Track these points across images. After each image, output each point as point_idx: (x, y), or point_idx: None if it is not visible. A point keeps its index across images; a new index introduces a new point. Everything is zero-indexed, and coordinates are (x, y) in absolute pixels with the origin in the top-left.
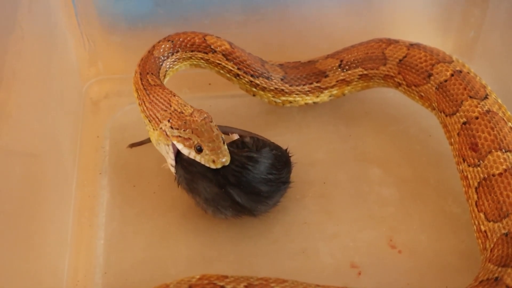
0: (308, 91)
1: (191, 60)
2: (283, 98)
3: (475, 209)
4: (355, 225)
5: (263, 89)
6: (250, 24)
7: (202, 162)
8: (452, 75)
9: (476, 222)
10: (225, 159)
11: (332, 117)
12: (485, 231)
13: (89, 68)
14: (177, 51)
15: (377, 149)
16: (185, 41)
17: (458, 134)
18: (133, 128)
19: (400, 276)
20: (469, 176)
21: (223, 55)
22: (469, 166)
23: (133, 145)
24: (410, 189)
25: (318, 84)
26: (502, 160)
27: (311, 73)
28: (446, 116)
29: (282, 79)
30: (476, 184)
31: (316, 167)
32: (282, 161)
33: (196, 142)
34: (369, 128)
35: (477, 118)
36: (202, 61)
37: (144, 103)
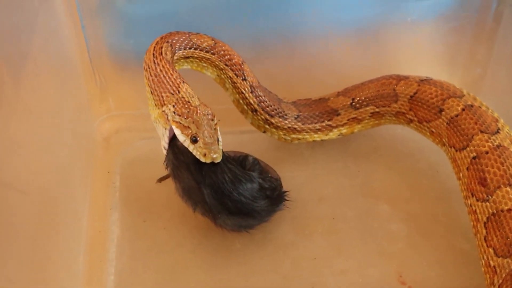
0: (319, 129)
1: (221, 72)
2: (293, 135)
3: (484, 244)
4: (364, 261)
5: (277, 127)
6: (259, 61)
7: (194, 153)
8: (463, 109)
9: (485, 257)
10: (216, 156)
11: (341, 153)
12: (494, 266)
13: (100, 104)
14: (213, 54)
15: (385, 185)
16: (225, 53)
17: (467, 168)
18: (143, 164)
19: None
20: (477, 211)
21: (250, 86)
22: (477, 200)
23: (161, 180)
24: (418, 225)
25: (330, 123)
26: (511, 196)
27: (323, 111)
28: (456, 151)
29: (296, 118)
30: (485, 219)
31: (325, 203)
32: (263, 193)
33: (194, 132)
34: (377, 164)
35: (487, 152)
36: (229, 81)
37: (150, 73)
